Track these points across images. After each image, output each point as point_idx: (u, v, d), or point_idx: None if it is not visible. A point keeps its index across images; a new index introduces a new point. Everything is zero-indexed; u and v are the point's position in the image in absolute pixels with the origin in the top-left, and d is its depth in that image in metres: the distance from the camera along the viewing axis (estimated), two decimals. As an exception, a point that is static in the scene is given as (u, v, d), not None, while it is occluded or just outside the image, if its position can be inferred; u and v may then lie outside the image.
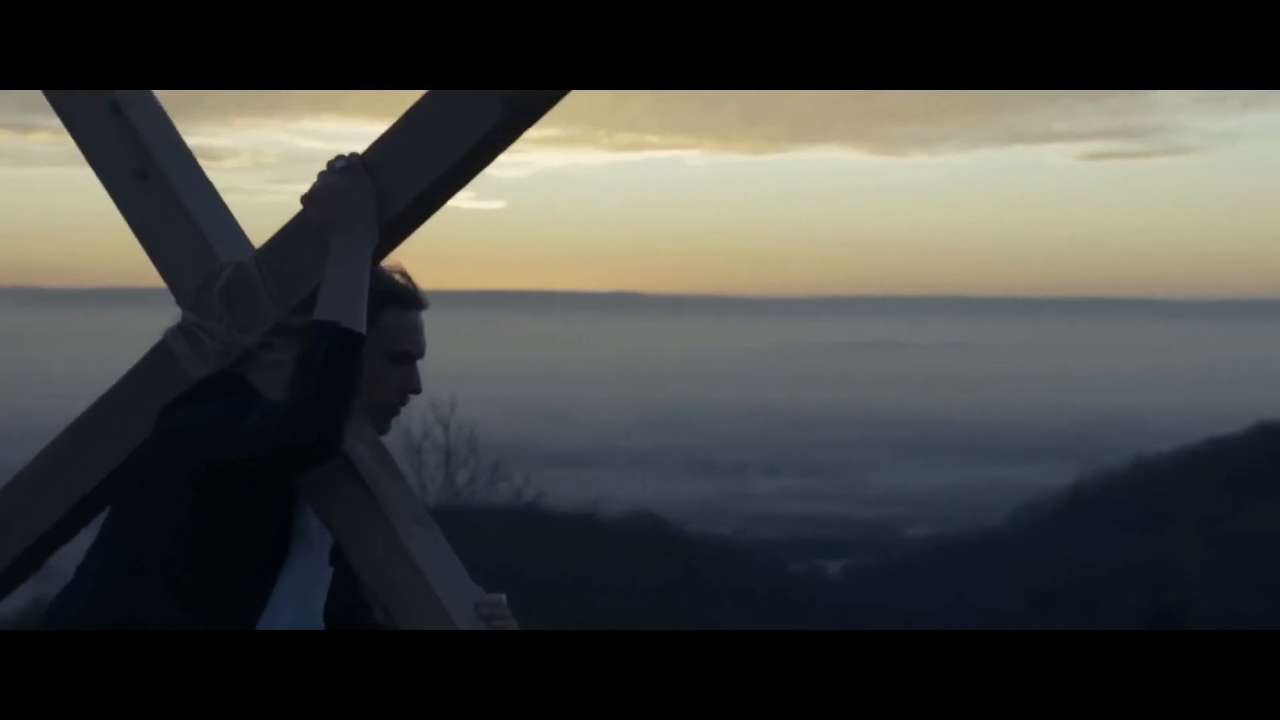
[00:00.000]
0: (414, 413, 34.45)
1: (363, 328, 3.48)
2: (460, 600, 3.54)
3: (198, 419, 3.53)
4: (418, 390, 3.70)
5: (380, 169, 3.53)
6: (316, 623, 3.66)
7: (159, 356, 3.75)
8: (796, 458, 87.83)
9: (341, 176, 3.56)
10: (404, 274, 3.74)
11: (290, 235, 3.62)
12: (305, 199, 3.61)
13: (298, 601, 3.61)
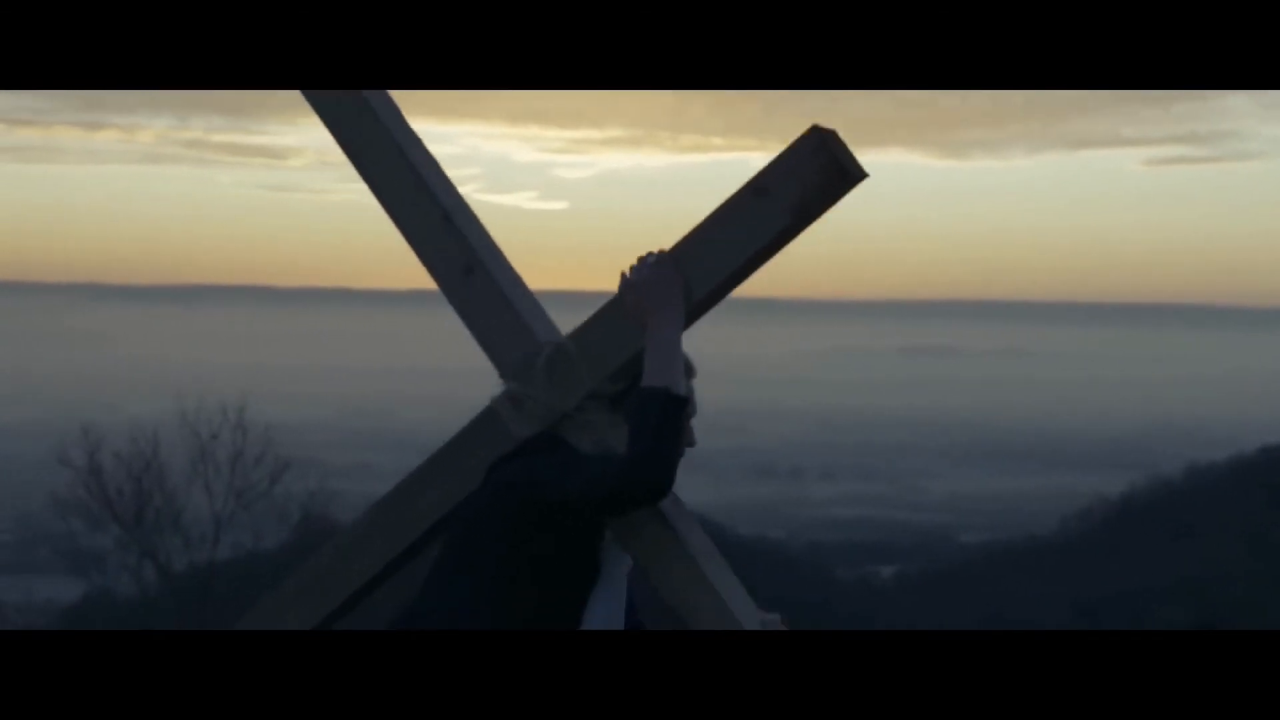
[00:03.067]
0: (204, 414, 33.91)
1: (684, 392, 4.15)
2: (749, 619, 4.22)
3: (535, 471, 4.18)
4: (693, 443, 4.33)
5: (686, 263, 4.21)
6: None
7: (486, 420, 4.40)
8: (853, 463, 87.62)
9: (654, 270, 4.22)
10: None
11: (604, 317, 4.30)
12: (623, 287, 4.27)
13: (603, 618, 4.26)
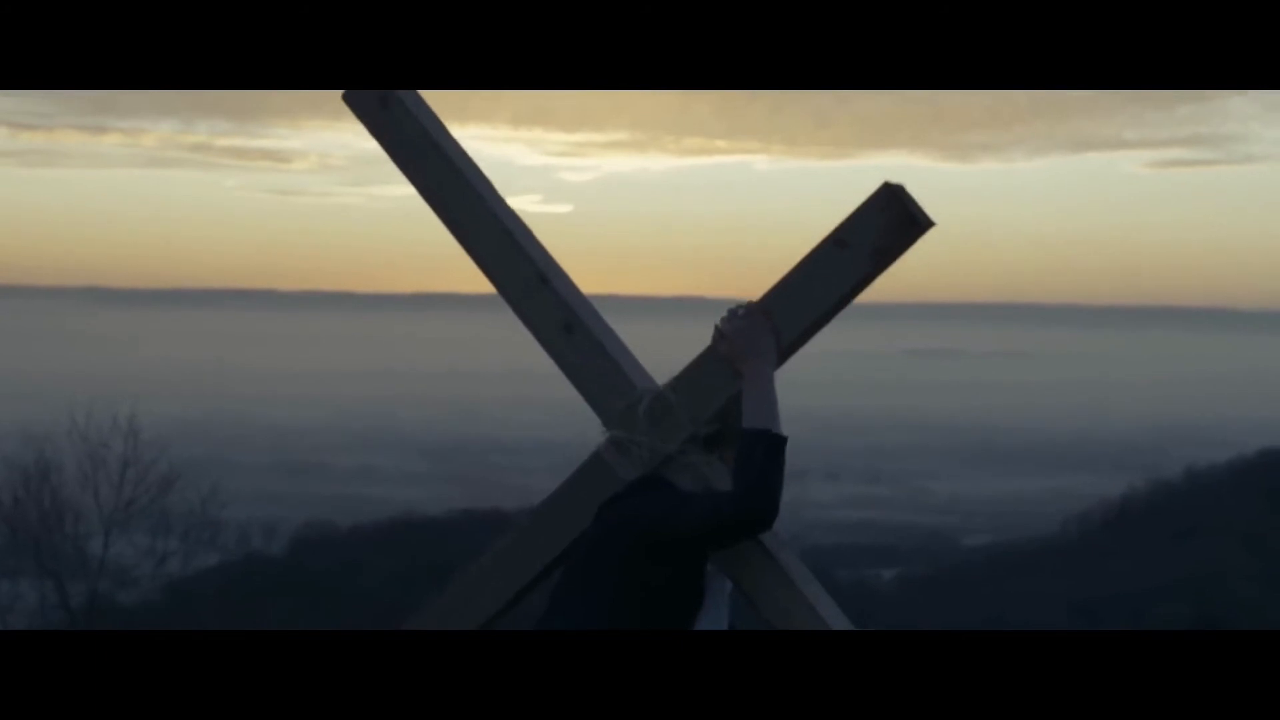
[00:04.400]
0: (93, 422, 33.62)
1: (782, 431, 4.51)
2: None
3: (648, 508, 4.55)
4: None
5: (775, 312, 4.59)
6: None
7: (594, 465, 4.76)
8: (858, 465, 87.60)
9: (745, 320, 4.58)
10: None
11: (701, 366, 4.67)
12: (716, 338, 4.62)
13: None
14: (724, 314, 4.66)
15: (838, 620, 4.60)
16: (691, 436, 4.66)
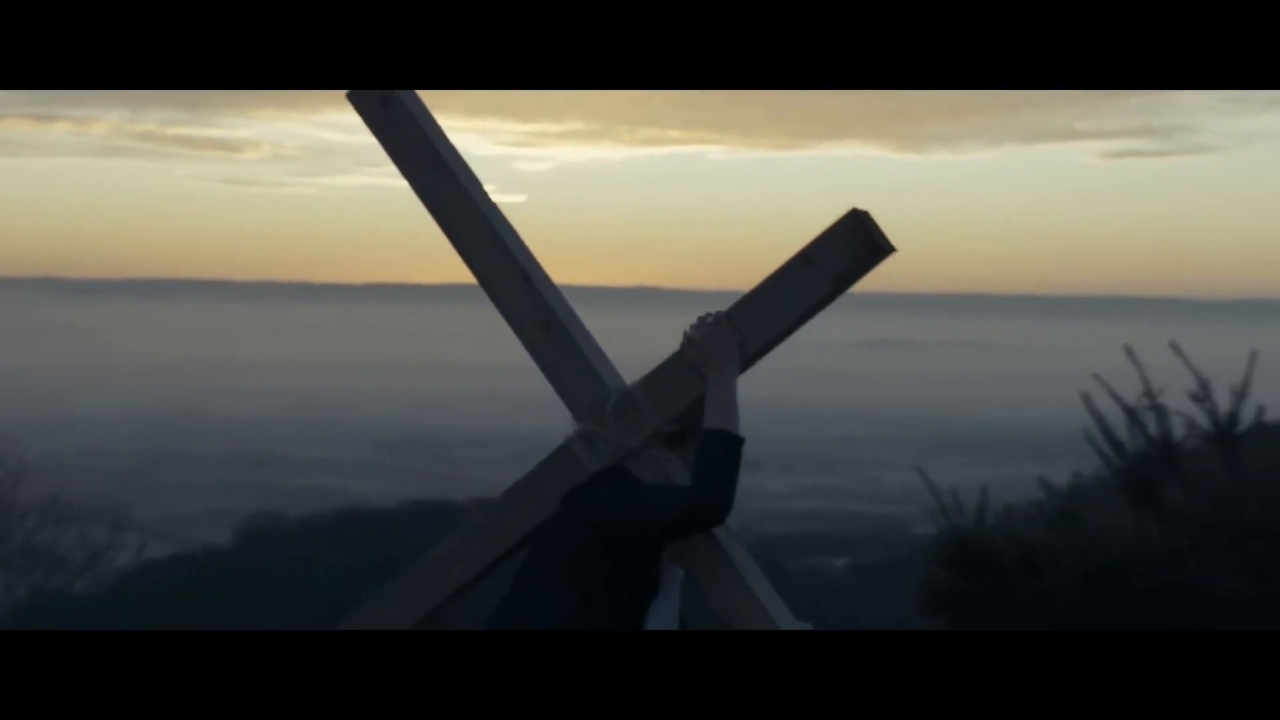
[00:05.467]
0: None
1: (740, 434, 4.79)
2: (787, 625, 4.89)
3: (610, 500, 4.83)
4: None
5: (741, 323, 4.90)
6: None
7: (561, 455, 5.03)
8: (811, 455, 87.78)
9: (712, 329, 4.89)
10: None
11: (669, 367, 4.96)
12: (685, 344, 4.90)
13: (660, 624, 4.85)
14: (693, 321, 4.92)
15: (780, 611, 4.90)
16: (655, 434, 4.95)
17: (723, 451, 4.76)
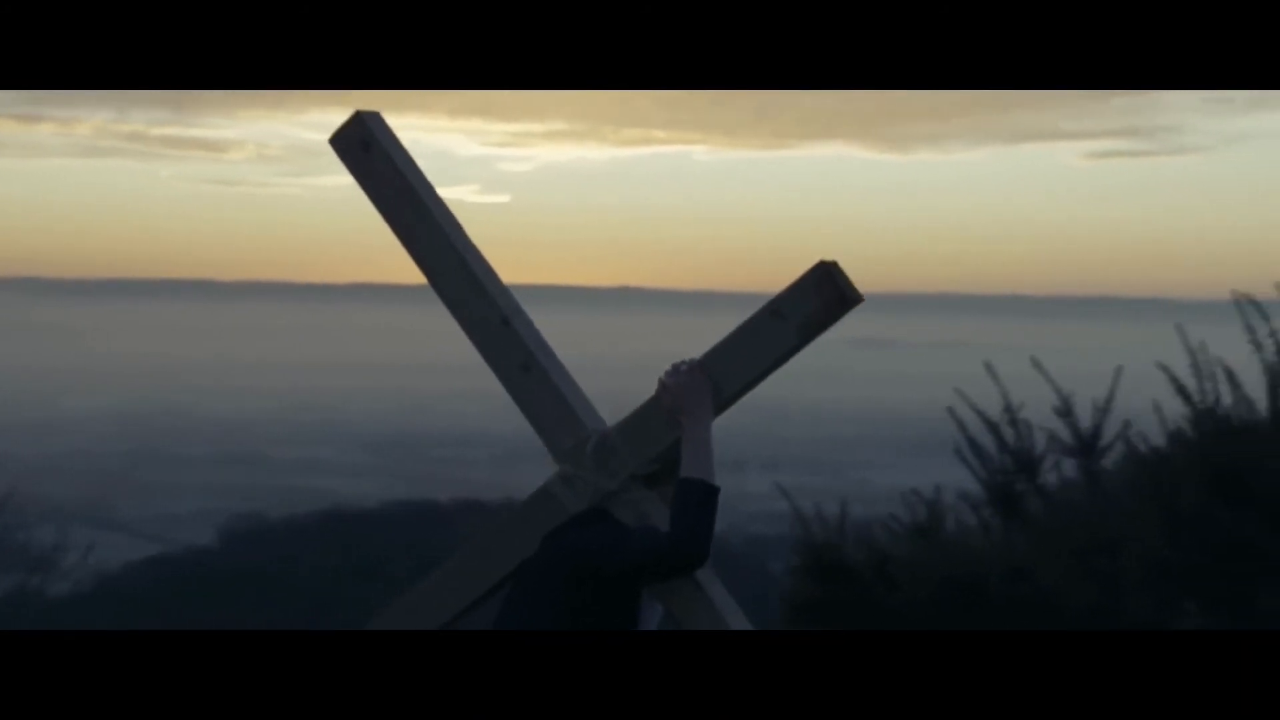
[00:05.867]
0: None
1: (716, 482, 4.91)
2: None
3: (589, 540, 4.95)
4: None
5: (714, 371, 5.03)
6: None
7: (542, 497, 5.14)
8: (797, 455, 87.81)
9: (687, 376, 5.00)
10: None
11: (645, 412, 5.08)
12: (660, 391, 5.02)
13: None
14: (667, 369, 5.05)
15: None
16: (633, 475, 5.06)
17: (698, 500, 4.88)
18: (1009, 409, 11.47)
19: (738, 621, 5.01)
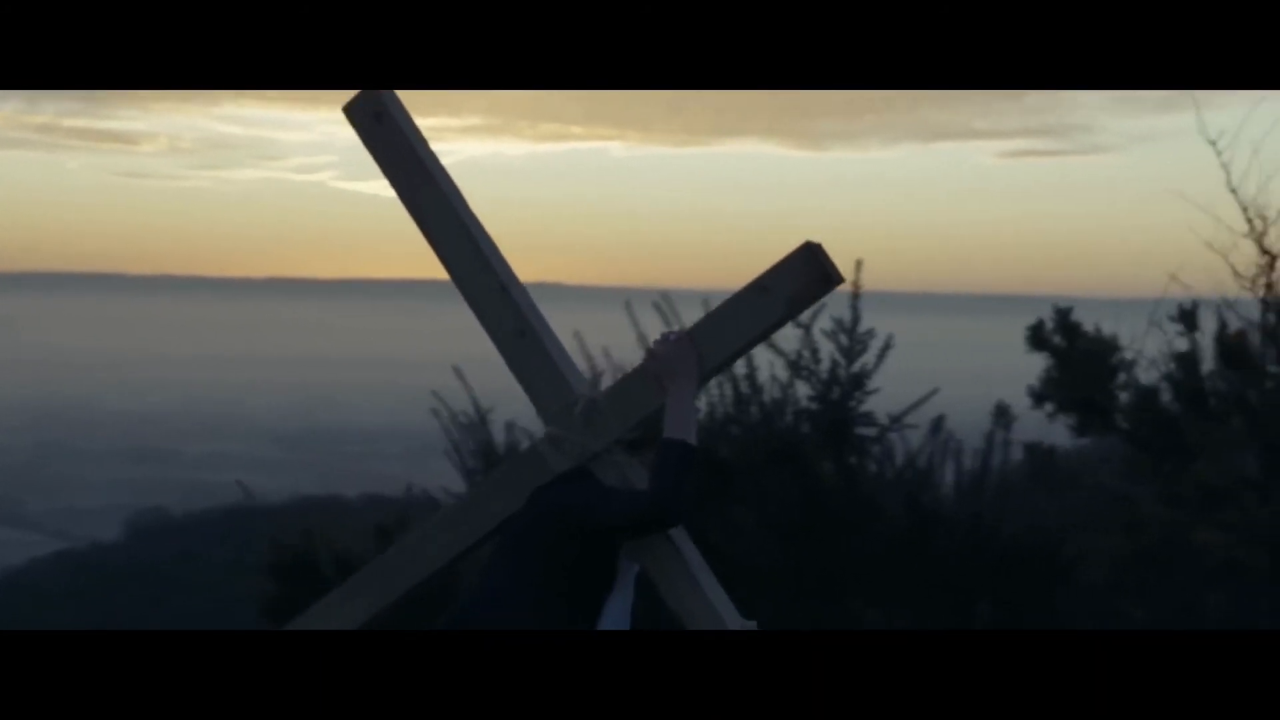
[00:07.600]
0: None
1: (696, 443, 5.14)
2: (733, 621, 5.27)
3: (574, 498, 5.21)
4: None
5: (701, 340, 5.24)
6: (626, 627, 5.35)
7: (530, 455, 5.42)
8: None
9: (675, 345, 5.24)
10: None
11: (632, 378, 5.33)
12: (648, 357, 5.26)
13: (616, 617, 5.27)
14: (657, 337, 5.29)
15: (724, 606, 5.24)
16: (617, 439, 5.31)
17: (677, 459, 5.11)
18: (479, 410, 12.36)
19: (707, 580, 5.25)
